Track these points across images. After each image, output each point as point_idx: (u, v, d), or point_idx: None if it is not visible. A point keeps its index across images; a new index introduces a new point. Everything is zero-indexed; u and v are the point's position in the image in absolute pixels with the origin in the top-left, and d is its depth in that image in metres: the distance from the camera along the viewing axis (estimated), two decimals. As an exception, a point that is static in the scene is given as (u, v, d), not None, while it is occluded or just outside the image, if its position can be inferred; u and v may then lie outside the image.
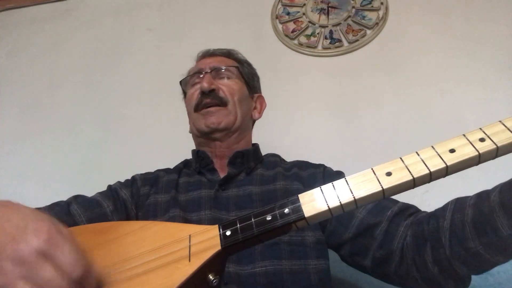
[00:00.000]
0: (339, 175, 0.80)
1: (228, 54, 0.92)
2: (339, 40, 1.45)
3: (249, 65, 0.95)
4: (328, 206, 0.42)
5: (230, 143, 0.84)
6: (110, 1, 1.79)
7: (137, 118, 1.50)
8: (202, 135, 0.83)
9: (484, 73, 1.28)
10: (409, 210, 0.65)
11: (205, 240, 0.45)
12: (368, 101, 1.34)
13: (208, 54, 0.92)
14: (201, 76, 0.86)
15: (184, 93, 0.92)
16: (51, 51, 1.72)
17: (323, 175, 0.78)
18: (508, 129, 0.39)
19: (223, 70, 0.86)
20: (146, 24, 1.70)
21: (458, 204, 0.54)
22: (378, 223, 0.65)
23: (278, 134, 1.34)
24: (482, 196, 0.50)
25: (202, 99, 0.82)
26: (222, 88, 0.83)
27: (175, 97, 1.50)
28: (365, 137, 1.28)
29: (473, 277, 0.76)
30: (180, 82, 0.91)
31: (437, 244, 0.54)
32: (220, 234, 0.45)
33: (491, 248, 0.48)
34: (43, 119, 1.56)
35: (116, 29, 1.71)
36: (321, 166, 0.82)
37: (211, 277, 0.44)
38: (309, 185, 0.76)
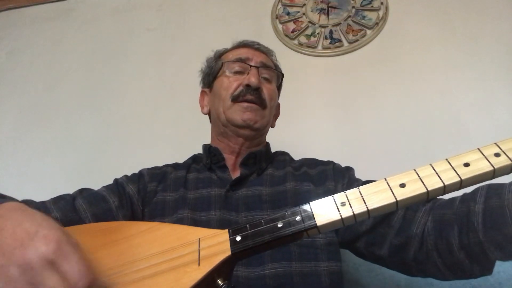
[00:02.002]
0: (348, 170, 0.79)
1: (269, 53, 0.91)
2: (339, 40, 1.45)
3: (278, 68, 0.93)
4: (341, 216, 0.42)
5: (251, 144, 0.83)
6: (110, 1, 1.79)
7: (137, 118, 1.50)
8: (232, 126, 0.81)
9: (484, 73, 1.28)
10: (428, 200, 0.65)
11: (215, 244, 0.45)
12: (368, 101, 1.34)
13: (253, 45, 0.90)
14: (249, 68, 0.83)
15: (216, 71, 0.88)
16: (51, 51, 1.72)
17: (333, 171, 0.78)
18: None
19: (269, 71, 0.85)
20: (146, 24, 1.69)
21: (493, 189, 0.53)
22: (394, 211, 0.64)
23: (278, 134, 1.33)
24: None
25: (246, 93, 0.80)
26: (265, 90, 0.83)
27: (175, 97, 1.51)
28: (365, 137, 1.28)
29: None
30: (220, 57, 0.88)
31: (467, 228, 0.54)
32: (230, 240, 0.44)
33: None
34: (43, 119, 1.56)
35: (116, 29, 1.71)
36: (330, 163, 0.82)
37: (219, 282, 0.43)
38: (319, 184, 0.75)
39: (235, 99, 0.80)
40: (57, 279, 0.36)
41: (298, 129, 1.35)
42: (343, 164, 0.83)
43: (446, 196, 0.42)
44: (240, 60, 0.85)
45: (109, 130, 1.49)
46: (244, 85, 0.80)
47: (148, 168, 0.83)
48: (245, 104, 0.79)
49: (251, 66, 0.83)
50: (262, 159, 0.82)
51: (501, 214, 0.50)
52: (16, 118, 1.59)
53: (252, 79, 0.80)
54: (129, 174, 0.83)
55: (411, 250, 0.61)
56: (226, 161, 0.82)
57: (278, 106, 0.94)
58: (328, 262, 0.66)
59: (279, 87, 0.91)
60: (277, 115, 0.94)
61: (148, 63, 1.60)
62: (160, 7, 1.72)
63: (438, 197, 0.64)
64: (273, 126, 0.92)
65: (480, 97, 1.25)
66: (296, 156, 0.91)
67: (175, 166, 0.85)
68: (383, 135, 1.27)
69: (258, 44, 0.91)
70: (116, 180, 0.79)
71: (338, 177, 0.76)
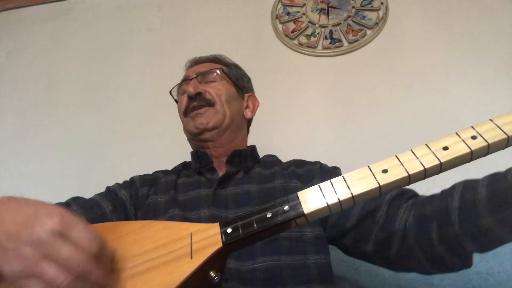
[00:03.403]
0: (335, 170, 0.82)
1: (214, 59, 0.95)
2: (339, 40, 1.45)
3: (237, 66, 0.97)
4: (327, 203, 0.43)
5: (223, 142, 0.85)
6: (110, 1, 1.79)
7: (137, 118, 1.50)
8: (193, 137, 0.86)
9: (484, 73, 1.28)
10: (408, 193, 0.68)
11: (206, 237, 0.46)
12: (368, 101, 1.34)
13: (194, 62, 0.96)
14: (188, 82, 0.89)
15: (176, 101, 0.95)
16: (51, 51, 1.72)
17: (320, 171, 0.80)
18: (498, 127, 0.41)
19: (207, 74, 0.89)
20: (146, 24, 1.70)
21: (468, 184, 0.56)
22: (378, 206, 0.67)
23: (278, 134, 1.34)
24: (497, 175, 0.52)
25: (190, 103, 0.85)
26: (209, 91, 0.86)
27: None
28: (365, 137, 1.28)
29: (473, 277, 0.77)
30: (170, 92, 0.95)
31: (445, 223, 0.56)
32: (221, 232, 0.45)
33: (505, 225, 0.50)
34: (43, 119, 1.56)
35: (116, 29, 1.71)
36: (317, 163, 0.84)
37: (212, 274, 0.44)
38: (307, 182, 0.77)
39: (186, 113, 0.86)
40: (70, 246, 0.38)
41: (298, 129, 1.35)
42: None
43: (426, 181, 0.43)
44: (182, 82, 0.92)
45: (109, 130, 1.49)
46: (187, 98, 0.86)
47: (139, 175, 0.86)
48: (192, 113, 0.84)
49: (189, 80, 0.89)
50: (247, 158, 0.84)
51: (474, 207, 0.53)
52: (16, 118, 1.59)
53: (189, 88, 0.85)
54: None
55: (394, 245, 0.63)
56: (214, 163, 0.84)
57: (251, 96, 0.96)
58: (317, 255, 0.68)
59: (237, 81, 0.92)
60: (253, 105, 0.95)
61: (148, 63, 1.60)
62: (160, 7, 1.72)
63: (421, 194, 0.67)
64: (248, 116, 0.93)
65: (480, 97, 1.25)
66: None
67: (165, 172, 0.88)
68: (383, 135, 1.27)
69: (200, 57, 0.96)
70: (108, 188, 0.82)
71: (325, 176, 0.78)
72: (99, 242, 0.40)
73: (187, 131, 0.87)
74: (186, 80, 0.91)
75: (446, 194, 0.59)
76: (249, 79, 0.99)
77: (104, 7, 1.78)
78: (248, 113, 0.93)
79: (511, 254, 0.90)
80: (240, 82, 0.93)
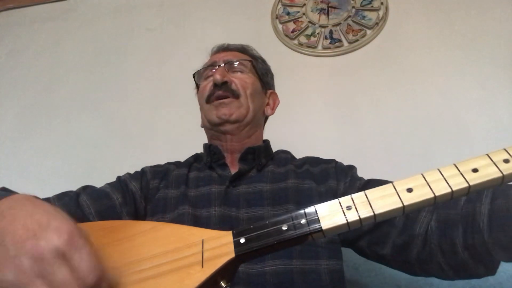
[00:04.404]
0: (351, 169, 0.79)
1: (243, 49, 0.93)
2: (339, 40, 1.45)
3: (263, 61, 0.95)
4: (347, 220, 0.41)
5: (241, 137, 0.83)
6: (110, 1, 1.79)
7: (137, 117, 1.50)
8: (213, 127, 0.82)
9: (484, 73, 1.28)
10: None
11: (218, 246, 0.44)
12: (368, 101, 1.34)
13: (222, 48, 0.92)
14: (215, 69, 0.85)
15: (197, 86, 0.92)
16: (51, 51, 1.72)
17: (335, 170, 0.78)
18: None
19: (236, 64, 0.86)
20: (146, 24, 1.70)
21: (499, 190, 0.53)
22: None
23: (278, 134, 1.33)
24: None
25: (215, 91, 0.82)
26: (235, 81, 0.83)
27: (175, 97, 1.51)
28: (365, 137, 1.28)
29: (473, 277, 0.75)
30: (193, 74, 0.91)
31: (472, 229, 0.54)
32: (234, 242, 0.44)
33: None
34: (43, 119, 1.56)
35: (116, 29, 1.71)
36: (333, 161, 0.82)
37: (222, 284, 0.43)
38: (321, 182, 0.75)
39: (208, 100, 0.83)
40: (67, 271, 0.36)
41: (298, 128, 1.35)
42: (343, 163, 0.83)
43: None
44: (207, 67, 0.88)
45: (109, 129, 1.49)
46: (212, 85, 0.83)
47: (151, 166, 0.84)
48: (216, 102, 0.81)
49: (216, 67, 0.86)
50: (261, 155, 0.82)
51: (507, 215, 0.49)
52: (16, 118, 1.59)
53: (217, 75, 0.81)
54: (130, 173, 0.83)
55: (414, 250, 0.61)
56: (226, 159, 0.82)
57: (273, 93, 0.94)
58: (329, 261, 0.66)
59: (262, 76, 0.91)
60: (273, 102, 0.93)
61: (148, 63, 1.60)
62: (160, 7, 1.72)
63: None
64: (268, 114, 0.91)
65: (480, 97, 1.25)
66: (296, 155, 0.90)
67: (177, 164, 0.86)
68: (383, 134, 1.27)
69: (228, 44, 0.93)
70: (119, 178, 0.80)
71: (340, 176, 0.76)
72: (99, 274, 0.38)
73: (207, 119, 0.83)
74: (212, 66, 0.87)
75: (474, 198, 0.55)
76: (272, 75, 0.97)
77: (104, 7, 1.78)
78: (268, 111, 0.91)
79: (511, 254, 0.90)
80: (265, 77, 0.91)
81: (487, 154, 0.40)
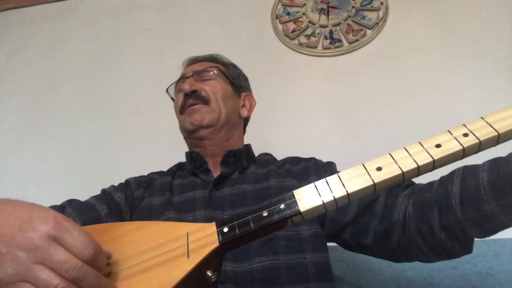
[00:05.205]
0: (330, 165, 0.81)
1: (212, 58, 0.96)
2: (339, 40, 1.45)
3: (234, 66, 0.98)
4: (322, 201, 0.43)
5: (219, 140, 0.85)
6: (110, 1, 1.79)
7: (137, 118, 1.50)
8: (189, 135, 0.86)
9: (484, 73, 1.28)
10: (405, 182, 0.67)
11: (203, 237, 0.46)
12: (368, 101, 1.34)
13: (191, 61, 0.96)
14: (184, 80, 0.89)
15: (173, 100, 0.95)
16: (51, 51, 1.72)
17: (315, 167, 0.80)
18: (489, 125, 0.42)
19: (203, 73, 0.89)
20: (146, 24, 1.70)
21: (468, 170, 0.56)
22: (375, 198, 0.67)
23: (278, 134, 1.34)
24: (499, 160, 0.52)
25: (186, 100, 0.85)
26: (204, 88, 0.86)
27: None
28: (365, 137, 1.28)
29: (473, 277, 0.77)
30: (167, 90, 0.95)
31: (447, 209, 0.56)
32: (217, 231, 0.46)
33: (509, 209, 0.50)
34: (43, 119, 1.57)
35: (116, 29, 1.72)
36: (312, 159, 0.84)
37: (209, 273, 0.44)
38: (302, 179, 0.77)
39: (182, 111, 0.86)
40: (65, 251, 0.38)
41: (298, 128, 1.35)
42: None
43: (421, 178, 0.44)
44: (178, 80, 0.92)
45: (109, 129, 1.49)
46: (183, 96, 0.86)
47: (134, 177, 0.87)
48: (188, 109, 0.84)
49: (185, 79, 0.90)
50: (242, 158, 0.84)
51: (476, 192, 0.52)
52: (16, 118, 1.59)
53: (185, 86, 0.85)
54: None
55: (394, 236, 0.63)
56: (208, 164, 0.84)
57: (248, 95, 0.96)
58: (314, 253, 0.68)
59: (233, 80, 0.92)
60: (249, 104, 0.95)
61: (148, 63, 1.60)
62: (161, 7, 1.72)
63: (417, 182, 0.66)
64: (244, 115, 0.93)
65: (480, 97, 1.25)
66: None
67: (161, 173, 0.88)
68: (383, 135, 1.27)
69: (197, 56, 0.97)
70: (103, 190, 0.82)
71: (320, 172, 0.78)
72: (94, 246, 0.40)
73: (182, 129, 0.87)
74: (182, 78, 0.91)
75: (446, 180, 0.59)
76: (246, 79, 0.99)
77: (104, 7, 1.78)
78: (244, 112, 0.93)
79: (511, 254, 0.90)
80: (236, 81, 0.94)
81: (448, 130, 0.43)
